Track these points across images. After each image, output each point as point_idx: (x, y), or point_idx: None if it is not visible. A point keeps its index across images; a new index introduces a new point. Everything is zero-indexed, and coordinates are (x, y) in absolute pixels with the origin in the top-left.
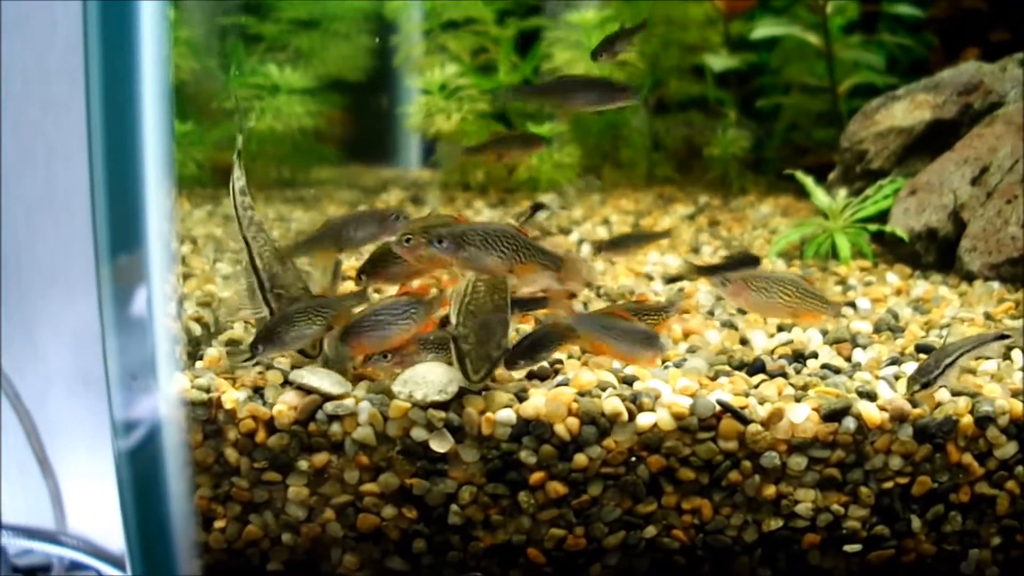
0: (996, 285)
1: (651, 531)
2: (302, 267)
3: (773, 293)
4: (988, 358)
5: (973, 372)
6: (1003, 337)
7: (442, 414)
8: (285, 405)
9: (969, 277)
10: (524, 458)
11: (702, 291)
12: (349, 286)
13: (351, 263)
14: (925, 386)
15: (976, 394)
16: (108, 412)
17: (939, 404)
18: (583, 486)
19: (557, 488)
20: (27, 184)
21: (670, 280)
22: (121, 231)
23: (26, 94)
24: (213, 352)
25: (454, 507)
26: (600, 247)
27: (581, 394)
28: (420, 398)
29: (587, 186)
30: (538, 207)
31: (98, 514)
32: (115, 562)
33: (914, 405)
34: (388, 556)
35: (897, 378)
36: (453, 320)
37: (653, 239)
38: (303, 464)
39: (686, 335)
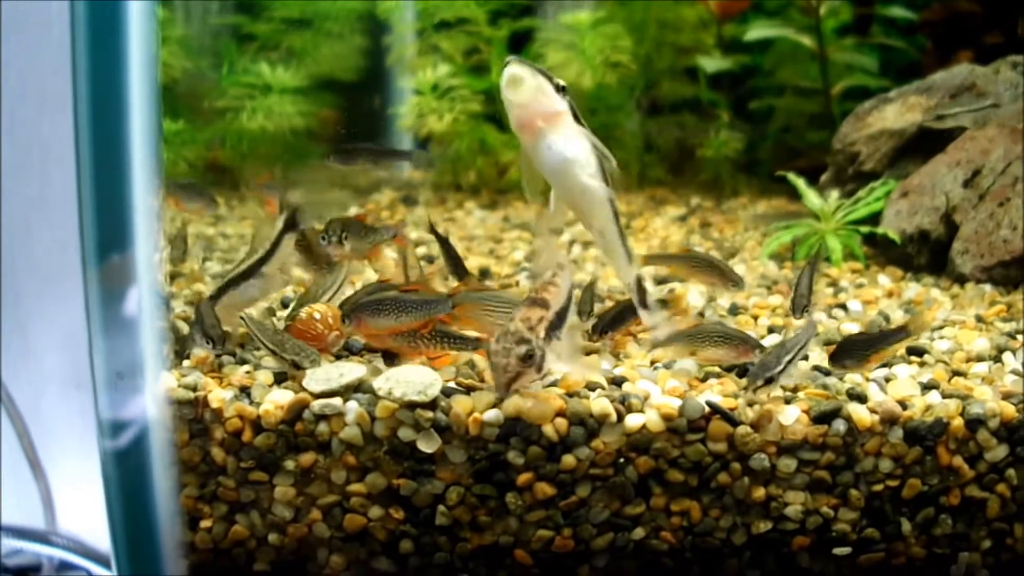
0: (988, 288)
1: (639, 533)
2: None
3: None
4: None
5: (964, 375)
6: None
7: (429, 414)
8: (272, 404)
9: (961, 279)
10: (512, 459)
11: (693, 293)
12: None
13: None
14: (768, 382)
15: (967, 396)
16: (94, 411)
17: (929, 407)
18: (571, 487)
19: (545, 489)
20: (22, 184)
21: (660, 281)
22: (109, 231)
23: (22, 94)
24: (200, 351)
25: (441, 508)
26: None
27: (569, 394)
28: (399, 396)
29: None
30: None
31: (88, 514)
32: (105, 562)
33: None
34: (375, 557)
35: (888, 380)
36: None
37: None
38: (290, 464)
39: None
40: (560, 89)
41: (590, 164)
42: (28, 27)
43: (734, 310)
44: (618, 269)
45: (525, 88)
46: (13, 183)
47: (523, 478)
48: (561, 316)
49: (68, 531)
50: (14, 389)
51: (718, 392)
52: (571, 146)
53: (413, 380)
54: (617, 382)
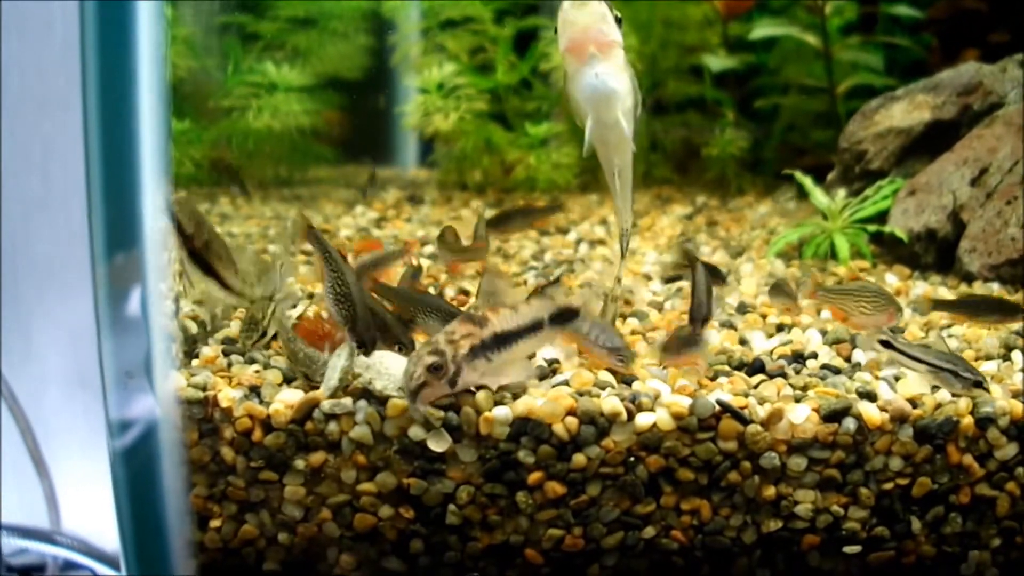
0: (995, 286)
1: (650, 532)
2: None
3: None
4: None
5: None
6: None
7: (440, 413)
8: (282, 403)
9: (968, 278)
10: (522, 458)
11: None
12: None
13: None
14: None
15: (976, 395)
16: (103, 411)
17: (939, 405)
18: (581, 486)
19: (555, 488)
20: (24, 183)
21: (668, 280)
22: (117, 230)
23: (23, 93)
24: (209, 350)
25: (452, 507)
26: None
27: (580, 393)
28: (379, 389)
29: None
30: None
31: (93, 513)
32: (110, 562)
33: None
34: (385, 556)
35: (897, 379)
36: None
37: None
38: (300, 463)
39: None
40: (618, 20)
41: (628, 100)
42: (29, 27)
43: (743, 309)
44: (621, 211)
45: (590, 10)
46: (14, 182)
47: (533, 477)
48: (503, 339)
49: (72, 530)
50: (17, 387)
51: (728, 391)
52: (617, 78)
53: (393, 374)
54: (627, 381)
